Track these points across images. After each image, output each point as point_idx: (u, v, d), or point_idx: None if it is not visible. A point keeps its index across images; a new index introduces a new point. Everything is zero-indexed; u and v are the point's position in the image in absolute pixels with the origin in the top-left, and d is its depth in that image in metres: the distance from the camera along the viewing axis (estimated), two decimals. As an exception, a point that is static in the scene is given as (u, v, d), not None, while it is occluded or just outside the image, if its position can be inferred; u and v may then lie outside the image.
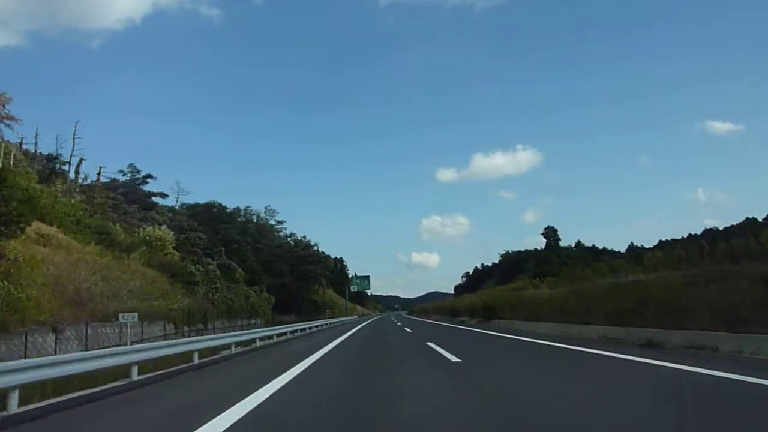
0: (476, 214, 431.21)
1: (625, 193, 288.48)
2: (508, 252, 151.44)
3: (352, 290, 63.88)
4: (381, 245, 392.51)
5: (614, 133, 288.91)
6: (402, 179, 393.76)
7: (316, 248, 63.60)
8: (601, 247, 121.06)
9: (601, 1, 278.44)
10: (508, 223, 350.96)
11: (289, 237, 65.51)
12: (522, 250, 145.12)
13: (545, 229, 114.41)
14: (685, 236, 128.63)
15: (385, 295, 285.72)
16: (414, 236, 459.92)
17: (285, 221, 65.48)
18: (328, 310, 57.60)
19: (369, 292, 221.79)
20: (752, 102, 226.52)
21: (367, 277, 63.32)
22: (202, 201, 66.32)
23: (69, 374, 7.25)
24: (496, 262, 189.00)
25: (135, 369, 8.83)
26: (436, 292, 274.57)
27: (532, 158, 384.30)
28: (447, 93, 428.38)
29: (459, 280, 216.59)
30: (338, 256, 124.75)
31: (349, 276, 65.33)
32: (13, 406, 5.89)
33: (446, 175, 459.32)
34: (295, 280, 60.43)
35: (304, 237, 63.83)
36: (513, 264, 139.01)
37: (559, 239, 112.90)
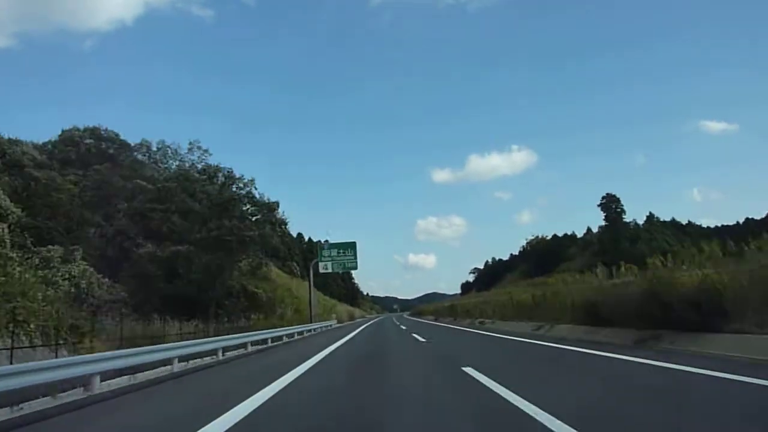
0: (472, 215, 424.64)
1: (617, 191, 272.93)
2: (537, 237, 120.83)
3: (323, 271, 33.38)
4: (377, 246, 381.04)
5: (609, 130, 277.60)
6: (397, 180, 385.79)
7: (247, 189, 32.48)
8: (684, 222, 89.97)
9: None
10: (504, 223, 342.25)
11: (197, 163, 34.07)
12: (558, 235, 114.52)
13: (604, 198, 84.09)
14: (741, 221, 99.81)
15: (382, 296, 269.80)
16: (410, 237, 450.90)
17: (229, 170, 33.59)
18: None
19: (365, 292, 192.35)
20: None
21: (352, 245, 32.69)
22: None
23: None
24: (515, 253, 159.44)
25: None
26: (434, 293, 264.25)
27: (528, 158, 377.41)
28: (443, 94, 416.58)
29: (461, 280, 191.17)
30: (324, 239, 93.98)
31: (320, 246, 34.05)
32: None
33: (442, 175, 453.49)
34: (205, 249, 29.64)
35: (231, 170, 32.73)
36: (546, 252, 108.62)
37: (623, 211, 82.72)
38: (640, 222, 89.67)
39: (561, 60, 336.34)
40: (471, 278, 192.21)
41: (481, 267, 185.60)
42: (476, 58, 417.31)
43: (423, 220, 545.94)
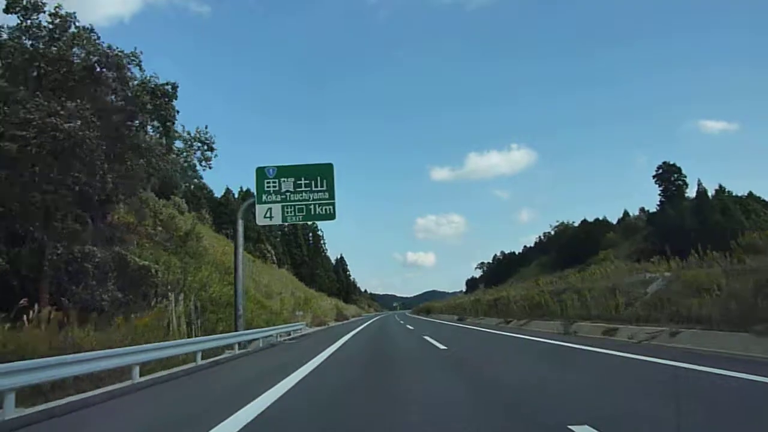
0: (472, 213, 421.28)
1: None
2: (562, 224, 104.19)
3: (265, 221, 17.18)
4: (376, 245, 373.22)
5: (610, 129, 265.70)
6: (396, 178, 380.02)
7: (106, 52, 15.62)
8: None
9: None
10: (504, 221, 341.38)
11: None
12: (588, 220, 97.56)
13: (660, 168, 67.07)
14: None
15: (382, 293, 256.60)
16: (409, 235, 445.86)
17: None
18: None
19: (363, 288, 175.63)
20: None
21: (325, 172, 17.30)
22: None
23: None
24: (531, 245, 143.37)
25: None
26: (434, 290, 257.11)
27: (527, 157, 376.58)
28: (442, 92, 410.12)
29: (461, 278, 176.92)
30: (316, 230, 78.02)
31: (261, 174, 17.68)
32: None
33: (441, 174, 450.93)
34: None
35: (82, 29, 15.87)
36: (576, 240, 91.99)
37: (685, 184, 65.72)
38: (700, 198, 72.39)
39: (560, 60, 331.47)
40: (477, 274, 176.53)
41: (487, 262, 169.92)
42: (476, 59, 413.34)
43: (422, 219, 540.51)
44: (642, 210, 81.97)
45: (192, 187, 54.71)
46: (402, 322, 35.45)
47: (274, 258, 53.51)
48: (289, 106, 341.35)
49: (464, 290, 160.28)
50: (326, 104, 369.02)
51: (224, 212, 55.71)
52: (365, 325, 31.93)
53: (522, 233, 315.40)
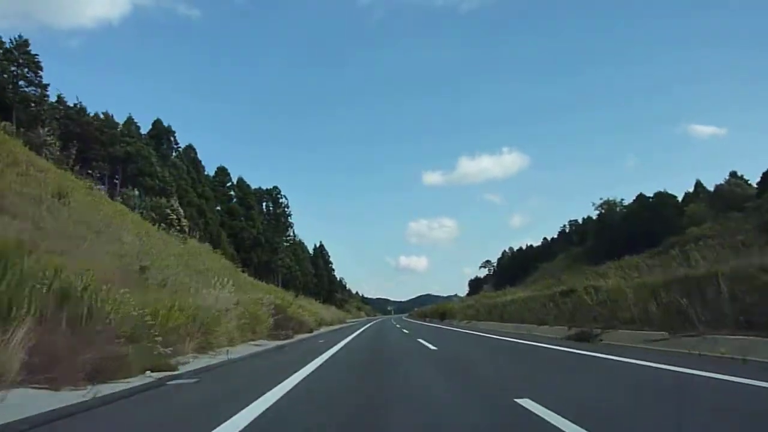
0: (463, 217, 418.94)
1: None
2: (609, 202, 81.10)
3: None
4: (369, 249, 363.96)
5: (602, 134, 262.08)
6: (388, 183, 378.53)
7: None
8: None
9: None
10: (496, 225, 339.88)
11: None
12: (646, 194, 74.34)
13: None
14: None
15: (374, 297, 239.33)
16: (401, 239, 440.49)
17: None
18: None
19: (354, 290, 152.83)
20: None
21: None
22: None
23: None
24: (554, 236, 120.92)
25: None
26: (428, 294, 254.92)
27: (519, 161, 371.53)
28: (434, 95, 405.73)
29: (455, 281, 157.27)
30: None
31: None
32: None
33: (433, 178, 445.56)
34: None
35: None
36: (637, 218, 68.97)
37: None
38: None
39: (554, 56, 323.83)
40: (482, 273, 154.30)
41: (494, 260, 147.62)
42: (465, 61, 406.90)
43: (414, 223, 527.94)
44: (734, 174, 60.07)
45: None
46: (434, 348, 12.29)
47: (182, 223, 30.34)
48: (283, 106, 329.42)
49: (467, 292, 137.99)
50: (312, 108, 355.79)
51: (100, 139, 32.40)
52: (324, 358, 8.91)
53: (515, 237, 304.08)
